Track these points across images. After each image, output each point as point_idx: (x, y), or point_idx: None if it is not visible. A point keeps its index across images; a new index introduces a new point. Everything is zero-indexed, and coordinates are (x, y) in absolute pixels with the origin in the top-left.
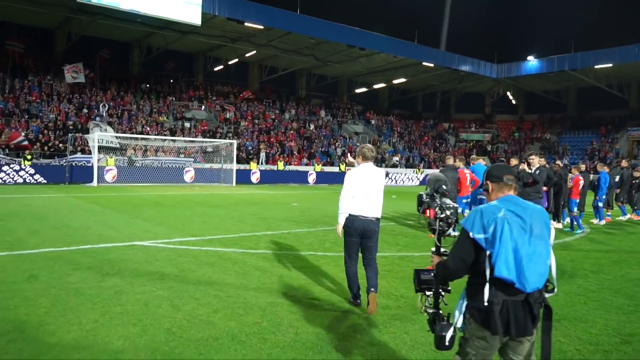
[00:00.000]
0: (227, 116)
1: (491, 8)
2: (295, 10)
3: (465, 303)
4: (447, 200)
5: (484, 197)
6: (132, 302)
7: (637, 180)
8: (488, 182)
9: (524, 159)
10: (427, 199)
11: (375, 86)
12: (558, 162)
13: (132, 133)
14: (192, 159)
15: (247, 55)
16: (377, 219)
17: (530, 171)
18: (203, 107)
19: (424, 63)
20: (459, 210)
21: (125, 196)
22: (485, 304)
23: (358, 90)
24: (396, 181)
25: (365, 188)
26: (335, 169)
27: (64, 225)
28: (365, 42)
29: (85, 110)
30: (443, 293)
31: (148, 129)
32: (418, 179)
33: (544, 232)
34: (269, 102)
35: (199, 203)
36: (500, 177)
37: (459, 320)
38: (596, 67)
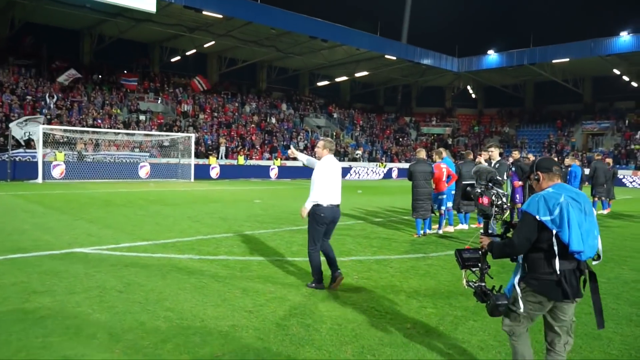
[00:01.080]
0: (185, 109)
1: (452, 1)
2: None
3: (519, 276)
4: (501, 190)
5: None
6: (60, 330)
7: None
8: (539, 172)
9: (484, 150)
10: (482, 189)
11: (337, 79)
12: (530, 155)
13: (83, 126)
14: (148, 154)
15: (205, 45)
16: (339, 204)
17: (485, 165)
18: (160, 99)
19: (386, 56)
20: (435, 206)
21: (72, 194)
22: (557, 273)
23: (320, 84)
24: (359, 175)
25: (334, 178)
26: (298, 164)
27: None
28: (327, 34)
29: (30, 100)
30: (487, 269)
31: (100, 122)
32: (383, 172)
33: (591, 211)
34: (227, 95)
35: (153, 201)
36: (550, 168)
37: (512, 292)
38: (554, 61)
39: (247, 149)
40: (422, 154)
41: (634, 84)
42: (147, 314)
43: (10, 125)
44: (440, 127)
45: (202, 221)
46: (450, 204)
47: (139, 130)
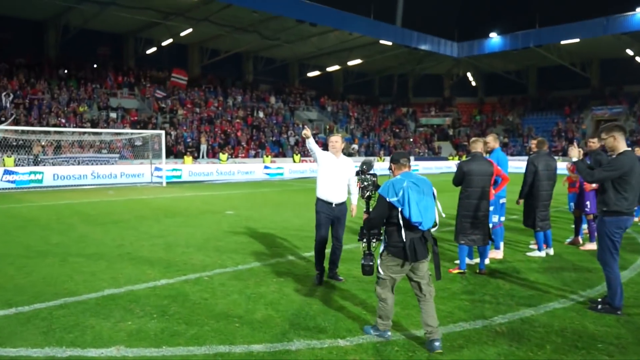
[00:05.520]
0: (163, 104)
1: None
2: None
3: (383, 245)
4: (368, 176)
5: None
6: None
7: None
8: (392, 164)
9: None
10: (359, 175)
11: (329, 69)
12: (594, 141)
13: (43, 126)
14: (118, 155)
15: (182, 34)
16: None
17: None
18: (135, 95)
19: (381, 41)
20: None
21: None
22: (404, 241)
23: (310, 74)
24: None
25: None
26: (289, 161)
27: None
28: (316, 17)
29: None
30: (374, 240)
31: (63, 121)
32: (383, 167)
33: (430, 192)
34: (209, 88)
35: (91, 218)
36: (399, 160)
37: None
38: (562, 42)
39: (232, 146)
40: (478, 145)
41: None
42: None
43: None
44: (440, 117)
45: (135, 253)
46: (496, 219)
47: (109, 128)
